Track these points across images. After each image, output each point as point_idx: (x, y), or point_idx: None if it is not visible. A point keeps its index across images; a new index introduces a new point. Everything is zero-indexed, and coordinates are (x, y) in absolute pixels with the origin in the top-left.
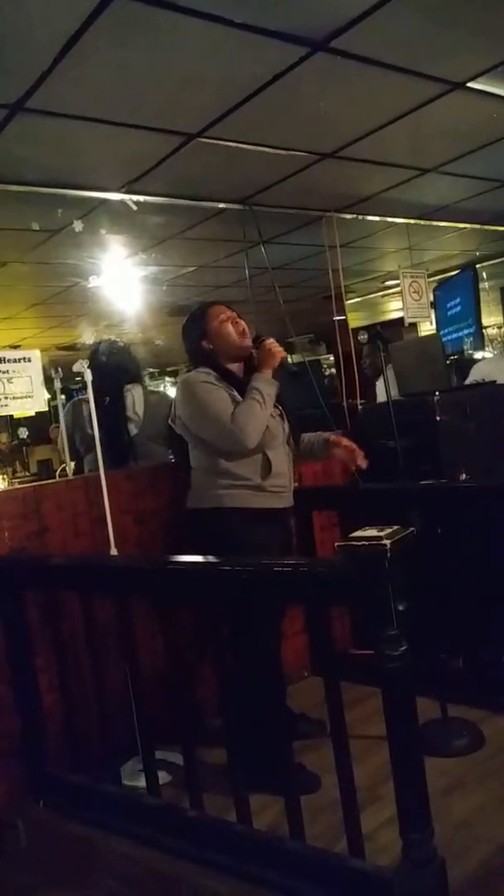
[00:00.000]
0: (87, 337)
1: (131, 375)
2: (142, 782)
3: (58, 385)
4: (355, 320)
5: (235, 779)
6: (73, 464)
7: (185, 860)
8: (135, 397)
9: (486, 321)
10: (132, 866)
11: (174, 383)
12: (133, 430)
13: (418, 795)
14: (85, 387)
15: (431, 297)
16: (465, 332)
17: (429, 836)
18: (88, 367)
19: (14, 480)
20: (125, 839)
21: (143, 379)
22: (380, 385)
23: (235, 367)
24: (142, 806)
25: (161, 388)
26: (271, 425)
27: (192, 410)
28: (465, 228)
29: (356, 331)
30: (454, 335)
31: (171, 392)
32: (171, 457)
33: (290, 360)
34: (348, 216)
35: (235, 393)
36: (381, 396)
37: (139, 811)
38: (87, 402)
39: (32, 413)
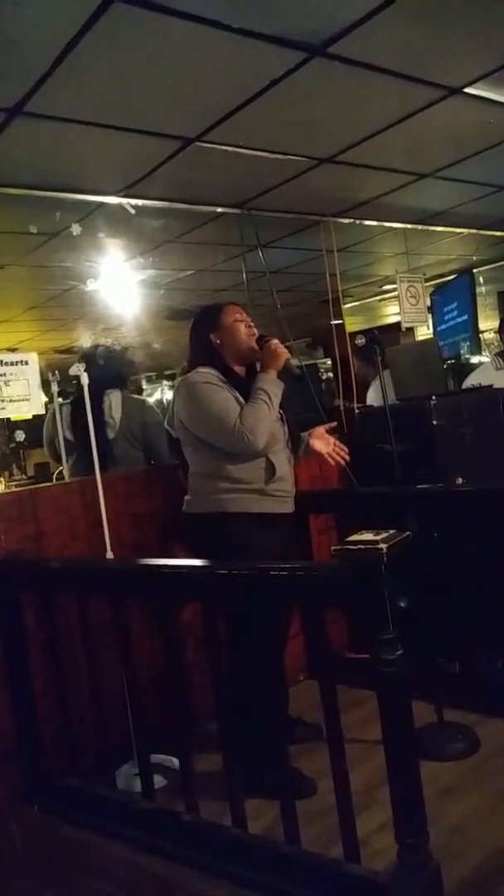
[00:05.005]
0: (85, 340)
1: (113, 381)
2: (137, 786)
3: (55, 388)
4: (353, 324)
5: (231, 783)
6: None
7: (181, 864)
8: (112, 402)
9: (482, 326)
10: (127, 870)
11: (171, 387)
12: (110, 434)
13: (414, 800)
14: (80, 389)
15: (429, 302)
16: (462, 336)
17: (424, 840)
18: (85, 371)
19: (11, 483)
20: (120, 843)
21: (127, 385)
22: (371, 391)
23: (239, 371)
24: (137, 810)
25: (157, 394)
26: (273, 428)
27: (195, 411)
28: (462, 233)
29: (353, 335)
30: (451, 340)
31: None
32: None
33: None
34: (345, 221)
35: (238, 395)
36: (370, 402)
37: (134, 815)
38: (62, 406)
39: (29, 416)
